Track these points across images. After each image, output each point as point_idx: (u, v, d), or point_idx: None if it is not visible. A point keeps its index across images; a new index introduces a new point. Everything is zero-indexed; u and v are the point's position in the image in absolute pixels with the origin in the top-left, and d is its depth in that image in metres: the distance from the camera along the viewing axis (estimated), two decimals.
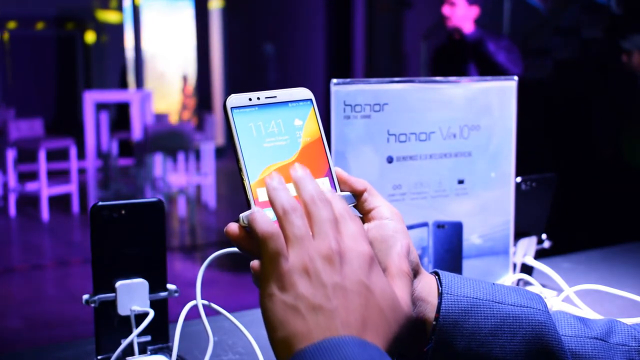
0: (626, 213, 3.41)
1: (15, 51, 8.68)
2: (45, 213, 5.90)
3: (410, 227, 1.03)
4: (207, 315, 0.83)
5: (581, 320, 0.67)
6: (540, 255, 1.29)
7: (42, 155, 5.83)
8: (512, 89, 1.12)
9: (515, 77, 1.13)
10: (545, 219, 1.28)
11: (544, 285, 1.23)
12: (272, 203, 0.57)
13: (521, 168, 1.17)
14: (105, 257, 0.87)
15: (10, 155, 5.98)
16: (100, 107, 6.59)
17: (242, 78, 9.60)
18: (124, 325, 0.88)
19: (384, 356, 0.51)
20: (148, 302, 0.89)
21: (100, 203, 0.86)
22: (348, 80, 0.97)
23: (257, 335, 0.89)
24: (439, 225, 1.07)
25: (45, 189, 5.89)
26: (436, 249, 1.07)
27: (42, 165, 5.85)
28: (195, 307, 0.83)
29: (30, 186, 6.09)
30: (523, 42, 4.65)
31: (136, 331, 0.86)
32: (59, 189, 6.16)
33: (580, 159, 3.90)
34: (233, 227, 0.60)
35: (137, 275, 0.88)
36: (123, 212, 0.87)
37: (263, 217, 0.56)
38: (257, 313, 1.09)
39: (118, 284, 0.87)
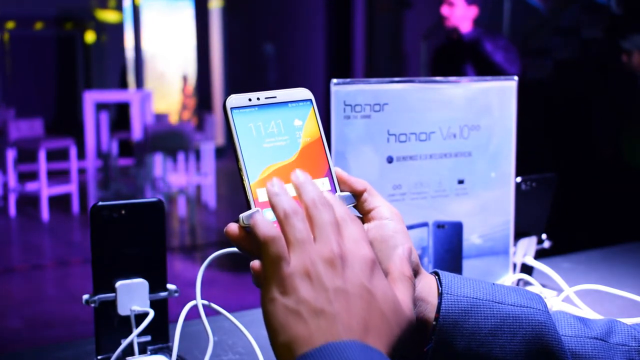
0: (626, 213, 3.41)
1: (15, 51, 8.68)
2: (45, 213, 5.90)
3: (410, 227, 1.03)
4: (207, 315, 0.83)
5: (581, 320, 0.67)
6: (540, 255, 1.29)
7: (42, 155, 5.83)
8: (512, 89, 1.12)
9: (516, 77, 1.13)
10: (545, 219, 1.28)
11: (544, 285, 1.23)
12: (273, 207, 0.57)
13: (521, 168, 1.17)
14: (105, 257, 0.87)
15: (10, 155, 5.98)
16: (100, 107, 6.59)
17: (242, 78, 9.60)
18: (124, 325, 0.88)
19: None
20: (148, 302, 0.89)
21: (100, 203, 0.86)
22: (348, 80, 0.97)
23: (257, 335, 0.89)
24: (439, 225, 1.07)
25: (45, 189, 5.89)
26: (436, 249, 1.07)
27: (42, 165, 5.85)
28: (195, 307, 0.83)
29: (30, 186, 6.09)
30: (523, 42, 4.65)
31: (136, 331, 0.86)
32: (59, 189, 6.16)
33: (580, 159, 3.90)
34: (233, 227, 0.60)
35: (137, 275, 0.88)
36: (123, 212, 0.87)
37: (264, 221, 0.56)
38: (257, 313, 1.09)
39: (118, 284, 0.87)
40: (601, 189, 3.68)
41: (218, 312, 0.88)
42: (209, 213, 6.24)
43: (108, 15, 9.25)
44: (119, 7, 9.25)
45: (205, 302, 0.84)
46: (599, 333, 0.66)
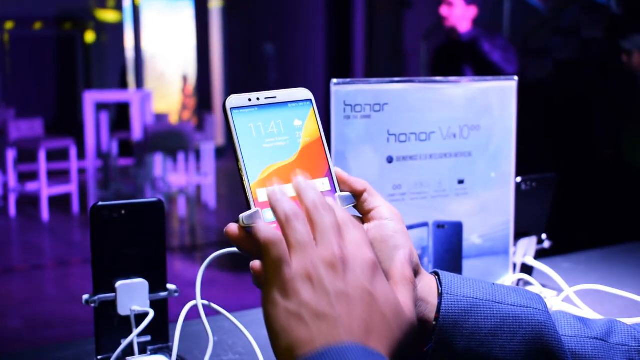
0: (626, 213, 3.41)
1: (15, 51, 8.68)
2: (45, 213, 5.90)
3: (410, 227, 1.03)
4: (207, 315, 0.83)
5: (581, 320, 0.67)
6: (540, 255, 1.29)
7: (42, 155, 5.83)
8: (512, 89, 1.12)
9: (516, 77, 1.13)
10: (545, 219, 1.28)
11: (544, 285, 1.23)
12: (274, 211, 0.57)
13: (521, 168, 1.17)
14: (105, 257, 0.87)
15: (10, 155, 5.98)
16: (100, 107, 6.59)
17: (242, 78, 9.60)
18: (124, 325, 0.88)
19: None
20: (148, 302, 0.89)
21: (100, 203, 0.86)
22: (348, 80, 0.97)
23: (257, 335, 0.89)
24: (439, 225, 1.07)
25: (45, 189, 5.89)
26: (436, 249, 1.07)
27: (42, 165, 5.85)
28: (195, 307, 0.83)
29: (30, 186, 6.09)
30: (523, 42, 4.65)
31: (136, 331, 0.86)
32: (59, 189, 6.16)
33: (580, 159, 3.90)
34: (233, 227, 0.60)
35: (137, 275, 0.88)
36: (123, 212, 0.87)
37: (265, 224, 0.56)
38: (257, 313, 1.09)
39: (118, 284, 0.87)
40: (601, 189, 3.68)
41: (218, 312, 0.88)
42: (209, 213, 6.24)
43: (108, 15, 9.25)
44: (118, 7, 9.25)
45: (205, 302, 0.84)
46: (599, 333, 0.66)
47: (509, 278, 1.15)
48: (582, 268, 1.42)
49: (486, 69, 3.55)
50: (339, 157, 0.98)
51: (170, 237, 5.46)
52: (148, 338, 0.91)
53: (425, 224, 1.06)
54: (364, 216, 0.66)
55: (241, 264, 4.20)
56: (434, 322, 0.62)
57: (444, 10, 3.67)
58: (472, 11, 3.66)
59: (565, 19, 4.51)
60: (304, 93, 0.66)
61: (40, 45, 8.81)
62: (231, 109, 0.62)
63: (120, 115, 8.07)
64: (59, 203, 6.22)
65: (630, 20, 3.98)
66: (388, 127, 1.01)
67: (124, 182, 6.31)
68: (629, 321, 0.71)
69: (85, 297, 0.87)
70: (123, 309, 0.87)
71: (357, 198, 0.66)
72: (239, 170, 0.61)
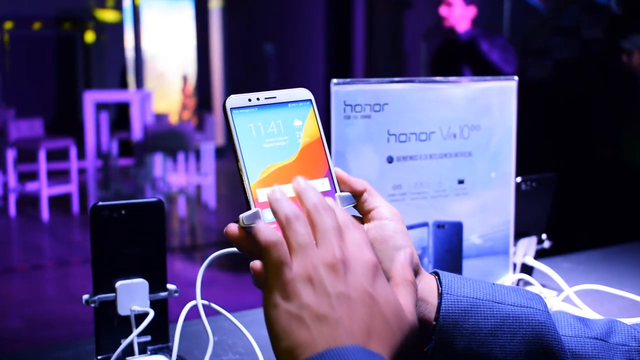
0: (626, 213, 3.41)
1: (15, 51, 8.68)
2: (45, 213, 5.90)
3: (410, 227, 1.03)
4: (207, 315, 0.83)
5: (581, 320, 0.67)
6: (540, 255, 1.29)
7: (42, 155, 5.83)
8: (512, 89, 1.12)
9: (516, 77, 1.13)
10: (545, 219, 1.28)
11: (544, 285, 1.23)
12: (275, 213, 0.56)
13: (521, 168, 1.17)
14: (105, 257, 0.87)
15: (10, 155, 5.98)
16: (100, 107, 6.59)
17: (242, 78, 9.60)
18: (124, 325, 0.88)
19: None
20: (148, 302, 0.89)
21: (100, 203, 0.86)
22: (348, 80, 0.97)
23: (257, 335, 0.89)
24: (439, 225, 1.07)
25: (45, 189, 5.89)
26: (436, 249, 1.07)
27: (42, 165, 5.85)
28: (195, 307, 0.83)
29: (30, 186, 6.09)
30: (523, 42, 4.65)
31: (136, 331, 0.86)
32: (59, 189, 6.16)
33: (580, 159, 3.90)
34: (233, 227, 0.60)
35: (137, 275, 0.88)
36: (123, 212, 0.87)
37: (266, 225, 0.56)
38: (257, 313, 1.09)
39: (118, 284, 0.87)
40: (601, 189, 3.68)
41: (218, 312, 0.88)
42: (209, 213, 6.24)
43: (108, 15, 9.25)
44: (118, 7, 9.24)
45: (205, 302, 0.84)
46: (599, 333, 0.66)
47: (509, 278, 1.15)
48: (582, 268, 1.42)
49: (485, 68, 3.55)
50: (339, 157, 0.98)
51: (170, 237, 5.46)
52: (148, 338, 0.91)
53: (425, 224, 1.06)
54: (364, 216, 0.66)
55: (241, 264, 4.20)
56: (434, 322, 0.62)
57: (443, 10, 3.67)
58: (472, 11, 3.66)
59: (565, 19, 4.51)
60: (303, 93, 0.66)
61: (40, 45, 8.81)
62: (231, 109, 0.62)
63: (120, 115, 8.07)
64: (59, 203, 6.22)
65: (630, 20, 3.98)
66: (388, 127, 1.01)
67: (124, 182, 6.31)
68: (629, 321, 0.71)
69: (85, 297, 0.87)
70: (123, 309, 0.87)
71: (357, 198, 0.66)
72: (239, 170, 0.61)
